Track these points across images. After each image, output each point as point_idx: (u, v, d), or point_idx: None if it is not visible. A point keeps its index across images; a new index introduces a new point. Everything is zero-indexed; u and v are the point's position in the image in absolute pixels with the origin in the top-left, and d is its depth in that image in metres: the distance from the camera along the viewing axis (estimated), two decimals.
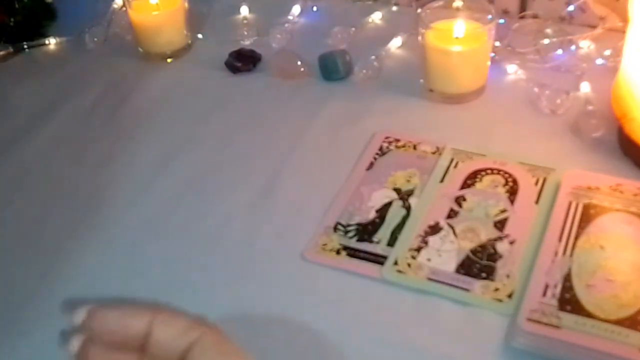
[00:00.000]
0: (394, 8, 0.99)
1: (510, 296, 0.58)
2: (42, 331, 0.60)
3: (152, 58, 0.95)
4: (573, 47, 0.86)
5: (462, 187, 0.69)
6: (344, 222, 0.67)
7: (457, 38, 0.79)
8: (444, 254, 0.62)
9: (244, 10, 1.02)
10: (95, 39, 0.99)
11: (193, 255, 0.66)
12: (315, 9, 1.01)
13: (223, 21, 1.02)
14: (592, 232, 0.61)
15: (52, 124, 0.86)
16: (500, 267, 0.61)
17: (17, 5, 0.99)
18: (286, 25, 0.97)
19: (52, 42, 1.01)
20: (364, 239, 0.65)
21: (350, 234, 0.66)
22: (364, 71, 0.87)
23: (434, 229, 0.65)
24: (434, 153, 0.74)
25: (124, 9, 0.99)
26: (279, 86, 0.88)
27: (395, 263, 0.62)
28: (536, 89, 0.80)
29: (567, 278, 0.57)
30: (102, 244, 0.68)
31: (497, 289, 0.59)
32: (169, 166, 0.77)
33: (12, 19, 0.99)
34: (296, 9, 1.00)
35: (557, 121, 0.77)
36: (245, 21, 1.00)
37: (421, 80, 0.83)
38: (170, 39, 0.94)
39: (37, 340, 0.59)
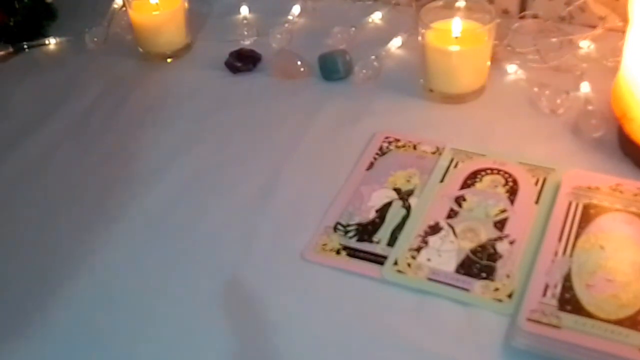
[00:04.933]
0: (394, 8, 0.99)
1: (510, 296, 0.58)
2: (45, 331, 0.60)
3: (152, 58, 0.95)
4: (573, 47, 0.86)
5: (462, 187, 0.69)
6: (344, 222, 0.67)
7: (456, 38, 0.79)
8: (444, 254, 0.62)
9: (244, 10, 1.02)
10: (95, 39, 0.99)
11: (193, 253, 0.66)
12: (315, 9, 1.01)
13: (223, 21, 1.02)
14: (592, 232, 0.61)
15: (52, 124, 0.85)
16: (500, 267, 0.61)
17: (17, 5, 1.00)
18: (286, 25, 0.97)
19: (52, 42, 1.01)
20: (364, 239, 0.65)
21: (350, 234, 0.66)
22: (364, 71, 0.86)
23: (434, 229, 0.65)
24: (434, 153, 0.74)
25: (124, 9, 0.99)
26: (279, 86, 0.88)
27: (395, 263, 0.62)
28: (536, 89, 0.80)
29: (567, 278, 0.57)
30: (102, 244, 0.68)
31: (497, 289, 0.59)
32: (169, 166, 0.77)
33: (12, 19, 0.99)
34: (296, 9, 1.00)
35: (557, 121, 0.77)
36: (245, 21, 1.00)
37: (421, 80, 0.83)
38: (170, 39, 0.94)
39: (38, 341, 0.59)
